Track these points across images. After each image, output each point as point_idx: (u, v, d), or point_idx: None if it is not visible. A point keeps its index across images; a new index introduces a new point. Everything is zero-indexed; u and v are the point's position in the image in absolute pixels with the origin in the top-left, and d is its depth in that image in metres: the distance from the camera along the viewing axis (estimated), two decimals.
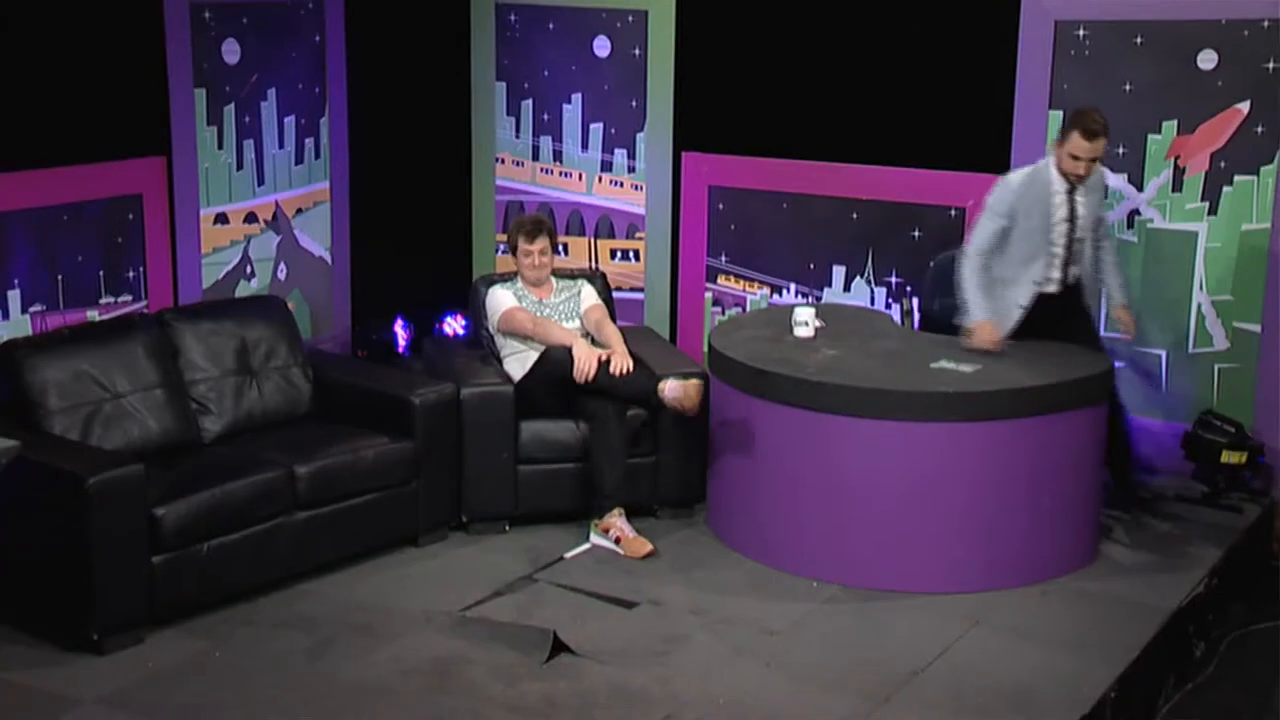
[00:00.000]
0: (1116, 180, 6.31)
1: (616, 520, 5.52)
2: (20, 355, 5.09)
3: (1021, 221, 5.49)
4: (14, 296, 5.74)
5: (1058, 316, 5.61)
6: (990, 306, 5.57)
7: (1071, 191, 5.46)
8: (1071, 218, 5.50)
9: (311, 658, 4.67)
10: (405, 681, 4.50)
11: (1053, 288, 5.59)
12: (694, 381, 5.49)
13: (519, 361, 5.78)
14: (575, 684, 4.50)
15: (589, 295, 6.04)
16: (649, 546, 5.46)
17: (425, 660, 4.65)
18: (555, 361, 5.61)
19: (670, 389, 5.49)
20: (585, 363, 5.53)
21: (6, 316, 5.73)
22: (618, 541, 5.49)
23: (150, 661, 4.62)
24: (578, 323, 5.92)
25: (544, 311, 5.86)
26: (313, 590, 5.15)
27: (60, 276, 5.93)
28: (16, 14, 5.64)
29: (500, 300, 5.92)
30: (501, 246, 7.56)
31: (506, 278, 6.05)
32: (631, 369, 5.59)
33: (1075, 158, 5.36)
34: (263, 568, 5.07)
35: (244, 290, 6.76)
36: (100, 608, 4.62)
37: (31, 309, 5.82)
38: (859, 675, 4.59)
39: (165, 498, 4.79)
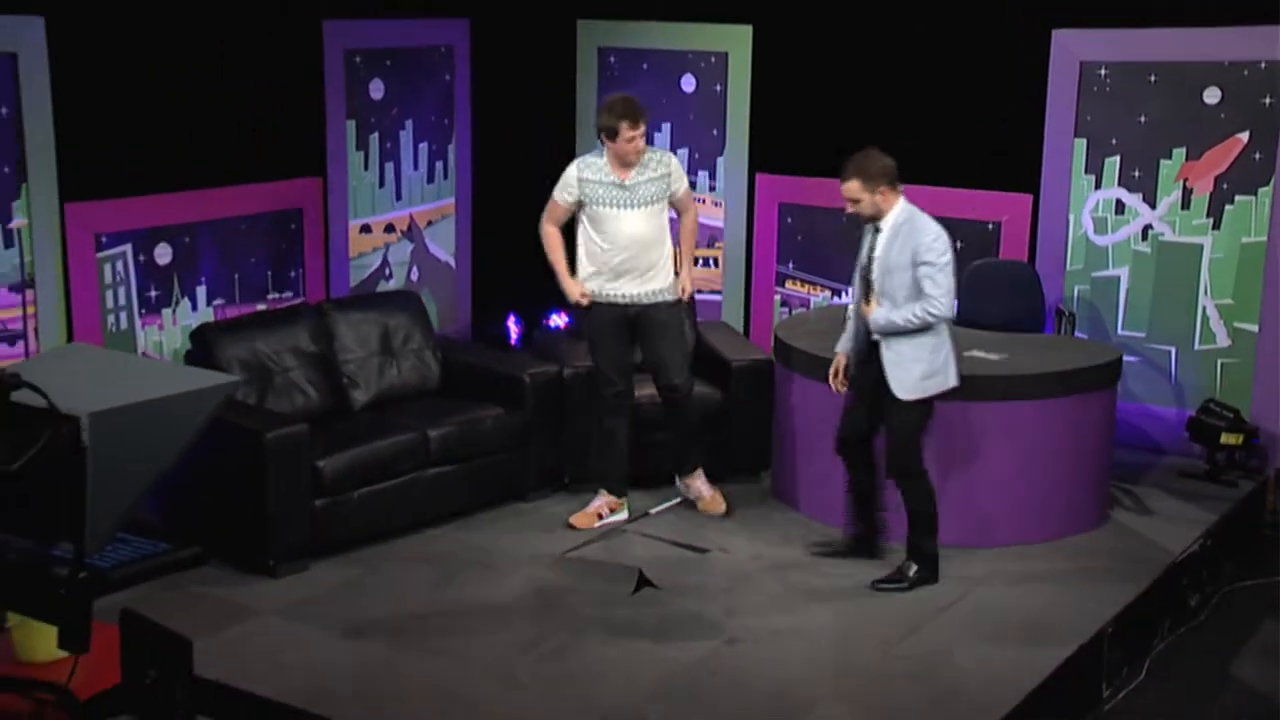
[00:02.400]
0: (1133, 200, 6.50)
1: (696, 481, 5.77)
2: (211, 337, 5.56)
3: None
4: (201, 292, 6.15)
5: (874, 375, 4.99)
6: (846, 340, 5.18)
7: (877, 232, 4.97)
8: (869, 255, 4.97)
9: (441, 585, 5.09)
10: (517, 604, 4.92)
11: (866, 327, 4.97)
12: (721, 504, 5.65)
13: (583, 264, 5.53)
14: (657, 611, 4.88)
15: (680, 179, 5.52)
16: (724, 507, 5.70)
17: (533, 589, 5.04)
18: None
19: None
20: (570, 294, 5.47)
21: (196, 308, 6.14)
22: (697, 499, 5.75)
23: (314, 583, 5.05)
24: (659, 210, 5.42)
25: (620, 195, 5.38)
26: (441, 534, 5.55)
27: (236, 275, 6.29)
28: (207, 61, 6.02)
29: (561, 179, 5.43)
30: None
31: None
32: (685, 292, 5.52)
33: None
34: (401, 513, 5.45)
35: (383, 289, 7.02)
36: (274, 540, 5.05)
37: (214, 302, 6.20)
38: (895, 609, 4.91)
39: (325, 453, 5.21)
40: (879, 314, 4.91)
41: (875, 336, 4.97)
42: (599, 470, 5.73)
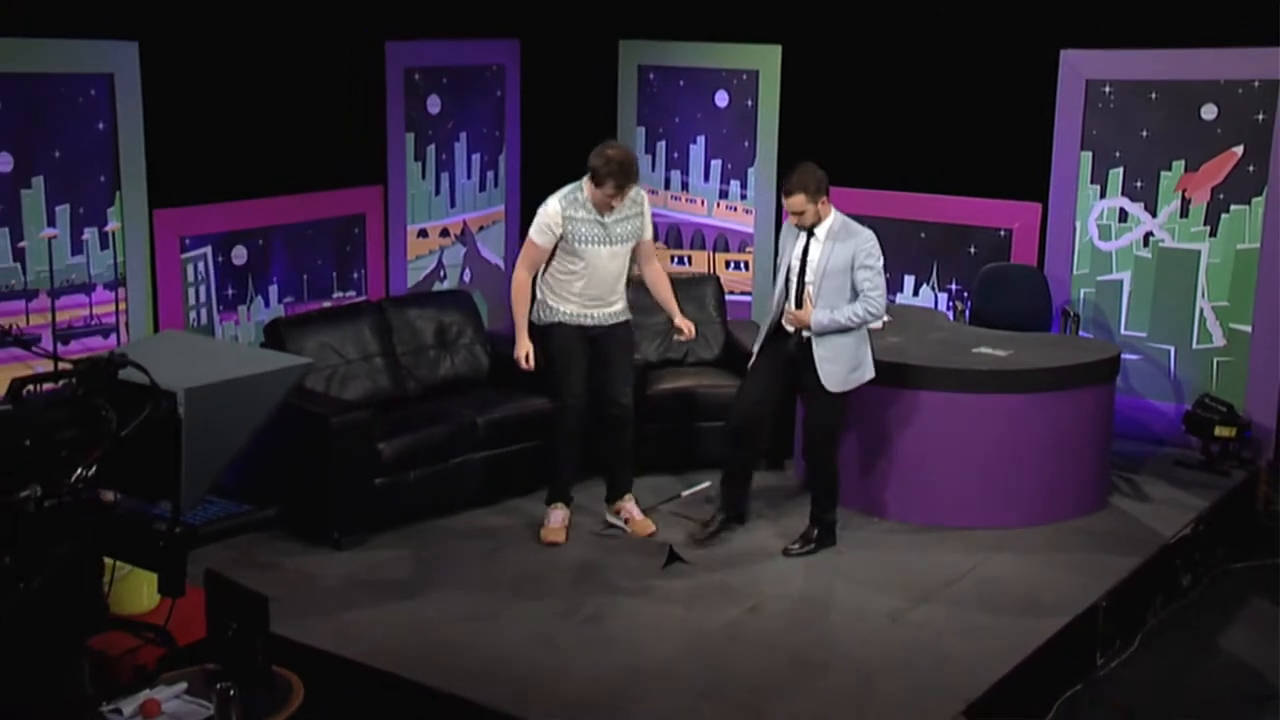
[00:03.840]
0: (1136, 208, 6.63)
1: (627, 504, 5.54)
2: (284, 330, 5.79)
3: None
4: (273, 290, 6.38)
5: (799, 368, 5.15)
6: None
7: (810, 236, 5.07)
8: (803, 259, 5.08)
9: (489, 557, 5.29)
10: (557, 575, 5.11)
11: (787, 327, 5.14)
12: (650, 525, 5.42)
13: (548, 304, 5.38)
14: (685, 582, 5.06)
15: (649, 225, 5.38)
16: (652, 528, 5.47)
17: (572, 562, 5.23)
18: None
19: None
20: (517, 351, 5.32)
21: (268, 305, 6.36)
22: (626, 522, 5.49)
23: (374, 555, 5.26)
24: (630, 247, 5.30)
25: (600, 232, 5.25)
26: (488, 511, 5.74)
27: (305, 276, 6.50)
28: (280, 80, 6.28)
29: (541, 218, 5.26)
30: None
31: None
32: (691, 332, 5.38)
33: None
34: (453, 492, 5.65)
35: (438, 289, 7.13)
36: (339, 516, 5.27)
37: (285, 300, 6.42)
38: (904, 583, 5.06)
39: (385, 436, 5.41)
40: (820, 315, 5.04)
41: (806, 334, 5.11)
42: (563, 481, 5.52)
